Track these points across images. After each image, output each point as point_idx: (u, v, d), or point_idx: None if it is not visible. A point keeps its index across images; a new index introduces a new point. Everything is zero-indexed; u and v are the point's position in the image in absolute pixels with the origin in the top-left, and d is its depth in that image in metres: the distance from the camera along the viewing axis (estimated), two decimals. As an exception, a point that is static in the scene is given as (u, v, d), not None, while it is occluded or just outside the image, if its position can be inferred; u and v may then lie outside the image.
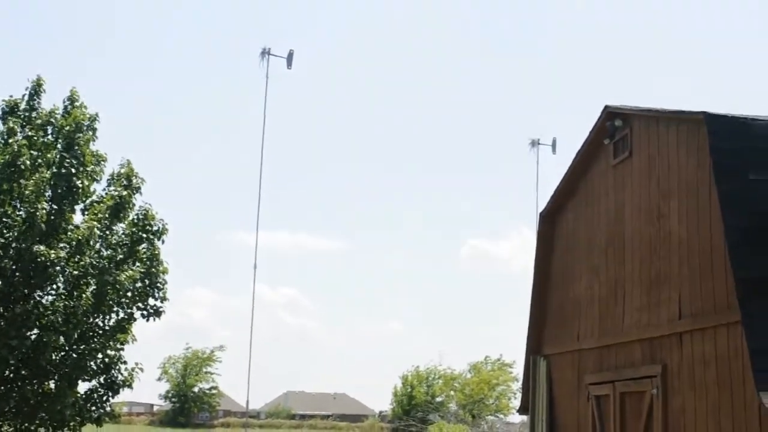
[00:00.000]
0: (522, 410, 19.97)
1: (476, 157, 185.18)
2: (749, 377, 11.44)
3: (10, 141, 21.15)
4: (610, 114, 15.98)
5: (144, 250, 22.16)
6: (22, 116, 21.83)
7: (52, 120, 21.96)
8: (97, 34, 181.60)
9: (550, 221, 18.72)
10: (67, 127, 21.86)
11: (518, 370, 79.41)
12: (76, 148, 21.62)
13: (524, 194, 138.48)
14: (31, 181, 20.33)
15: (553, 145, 40.33)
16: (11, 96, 21.98)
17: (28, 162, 20.56)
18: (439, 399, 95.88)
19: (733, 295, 11.94)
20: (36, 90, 22.11)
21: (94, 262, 21.24)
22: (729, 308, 12.13)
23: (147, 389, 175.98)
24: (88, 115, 22.18)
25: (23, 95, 22.11)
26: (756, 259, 11.88)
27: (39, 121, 21.82)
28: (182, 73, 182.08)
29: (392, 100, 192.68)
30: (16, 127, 21.45)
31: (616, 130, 15.91)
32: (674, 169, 14.04)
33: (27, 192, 20.27)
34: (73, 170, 21.39)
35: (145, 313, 22.16)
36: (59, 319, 20.50)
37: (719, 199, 12.32)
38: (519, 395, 24.09)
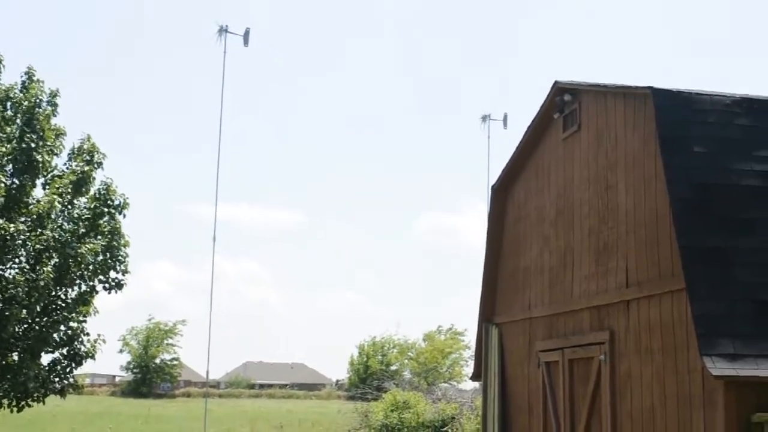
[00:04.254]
0: (474, 377, 20.17)
1: (430, 132, 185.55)
2: (693, 342, 11.71)
3: None
4: (559, 89, 16.17)
5: (105, 224, 22.19)
6: None
7: (11, 95, 21.92)
8: (56, 11, 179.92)
9: (502, 194, 18.87)
10: (26, 103, 21.81)
11: (470, 338, 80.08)
12: (35, 123, 21.59)
13: (477, 168, 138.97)
14: None
15: (504, 120, 40.53)
16: None
17: None
18: (394, 367, 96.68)
19: (677, 263, 12.21)
20: None
21: (56, 236, 21.22)
22: (674, 276, 12.42)
23: (108, 361, 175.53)
24: (48, 90, 22.15)
25: None
26: (699, 228, 12.17)
27: (-2, 97, 21.76)
28: (141, 49, 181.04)
29: (346, 76, 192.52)
30: None
31: (566, 105, 16.11)
32: (621, 142, 14.29)
33: (-15, 166, 20.15)
34: (33, 144, 21.38)
35: (106, 285, 22.30)
36: (22, 293, 20.52)
37: (664, 170, 12.59)
38: (471, 363, 24.39)
